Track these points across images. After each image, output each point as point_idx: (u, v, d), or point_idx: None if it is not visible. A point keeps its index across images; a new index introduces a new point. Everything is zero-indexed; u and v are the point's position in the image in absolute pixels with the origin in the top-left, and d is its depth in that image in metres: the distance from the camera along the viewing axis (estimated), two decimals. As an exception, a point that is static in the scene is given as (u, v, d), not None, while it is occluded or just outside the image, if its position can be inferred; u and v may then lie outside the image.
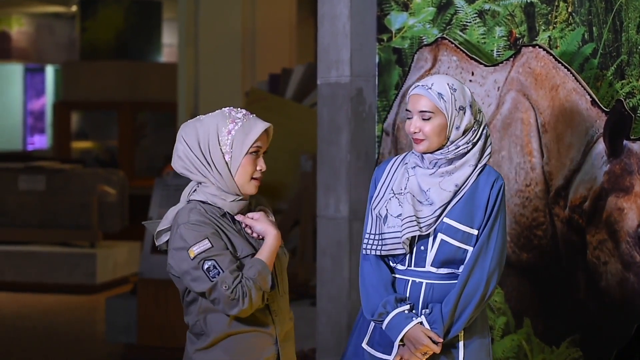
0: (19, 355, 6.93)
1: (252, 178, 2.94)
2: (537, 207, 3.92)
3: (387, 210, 3.12)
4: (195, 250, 2.82)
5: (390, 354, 3.14)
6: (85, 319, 8.16)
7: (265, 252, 2.90)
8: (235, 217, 2.97)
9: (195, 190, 2.98)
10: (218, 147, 2.90)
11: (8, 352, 6.97)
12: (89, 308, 8.56)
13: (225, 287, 2.79)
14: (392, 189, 3.14)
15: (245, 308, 2.81)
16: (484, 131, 3.13)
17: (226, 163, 2.91)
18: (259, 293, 2.82)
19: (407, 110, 3.13)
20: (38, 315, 8.25)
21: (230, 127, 2.91)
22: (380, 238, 3.13)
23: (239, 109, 3.00)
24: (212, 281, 2.80)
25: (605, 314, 3.75)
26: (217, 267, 2.81)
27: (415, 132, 3.07)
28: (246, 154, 2.91)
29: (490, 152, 3.13)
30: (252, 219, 2.96)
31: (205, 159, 2.91)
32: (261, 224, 2.95)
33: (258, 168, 2.94)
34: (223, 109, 2.99)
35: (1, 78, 16.63)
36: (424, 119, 3.07)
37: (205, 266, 2.81)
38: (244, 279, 2.82)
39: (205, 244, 2.82)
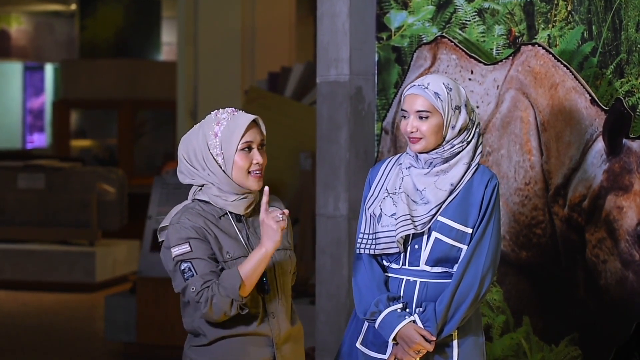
0: (19, 354, 6.93)
1: (249, 173, 2.94)
2: (536, 206, 3.92)
3: (381, 209, 3.13)
4: (174, 251, 2.88)
5: (384, 353, 3.15)
6: (85, 317, 8.16)
7: (247, 265, 2.85)
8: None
9: (201, 189, 2.99)
10: (209, 152, 2.93)
11: (8, 351, 6.98)
12: (89, 306, 8.56)
13: (193, 289, 2.83)
14: (386, 189, 3.15)
15: (205, 312, 2.83)
16: (477, 130, 3.15)
17: (219, 165, 2.92)
18: (224, 299, 2.82)
19: (402, 110, 3.14)
20: (37, 314, 8.25)
21: (216, 129, 2.94)
22: (374, 237, 3.13)
23: (226, 108, 3.01)
24: (185, 282, 2.86)
25: (605, 312, 3.75)
26: (192, 269, 2.85)
27: (412, 132, 3.08)
28: (236, 151, 2.92)
29: (481, 151, 3.15)
30: (268, 216, 2.85)
31: (201, 166, 2.94)
32: (266, 229, 2.85)
33: (254, 162, 2.94)
34: (212, 112, 3.00)
35: (0, 76, 16.62)
36: (420, 118, 3.08)
37: (182, 267, 2.86)
38: (213, 284, 2.84)
39: (185, 247, 2.87)
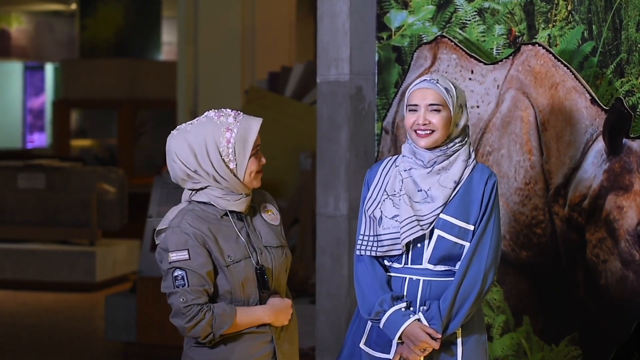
0: (19, 353, 6.93)
1: (257, 173, 3.00)
2: (536, 206, 3.92)
3: (381, 212, 3.14)
4: (172, 256, 2.90)
5: (388, 353, 3.15)
6: (85, 316, 8.15)
7: (246, 316, 2.94)
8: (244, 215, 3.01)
9: (197, 192, 2.99)
10: (220, 159, 2.93)
11: (8, 351, 6.98)
12: (89, 306, 8.56)
13: (183, 299, 2.86)
14: (385, 191, 3.15)
15: (185, 325, 2.87)
16: (468, 131, 3.20)
17: (231, 170, 2.93)
18: (206, 327, 2.87)
19: (411, 105, 3.12)
20: (38, 313, 8.25)
21: (228, 135, 2.94)
22: (375, 240, 3.13)
23: (224, 111, 2.99)
24: (174, 289, 2.88)
25: (605, 312, 3.75)
26: (185, 279, 2.88)
27: (424, 124, 3.08)
28: (250, 157, 2.95)
29: (474, 149, 3.18)
30: (289, 308, 3.05)
31: (206, 172, 2.94)
32: (279, 311, 3.01)
33: (261, 163, 3.01)
34: (208, 115, 2.98)
35: (1, 76, 16.62)
36: (432, 112, 3.08)
37: (175, 274, 2.89)
38: (207, 307, 2.88)
39: (183, 254, 2.89)
